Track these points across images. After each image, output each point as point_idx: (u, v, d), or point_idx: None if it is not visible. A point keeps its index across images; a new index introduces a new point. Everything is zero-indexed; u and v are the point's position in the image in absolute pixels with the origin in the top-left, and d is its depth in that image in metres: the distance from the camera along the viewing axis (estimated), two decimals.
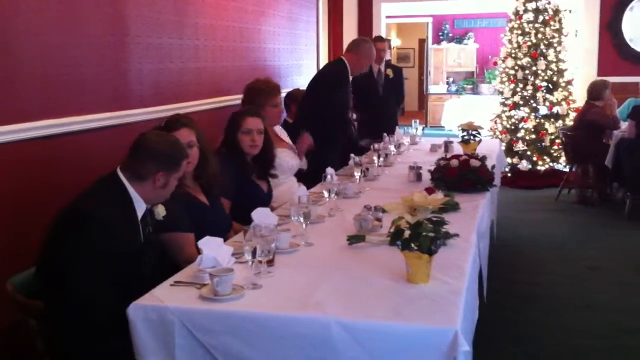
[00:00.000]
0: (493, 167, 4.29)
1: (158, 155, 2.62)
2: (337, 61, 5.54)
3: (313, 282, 2.43)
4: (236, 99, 5.44)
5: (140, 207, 2.62)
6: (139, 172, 2.59)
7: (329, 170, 3.54)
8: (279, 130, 4.66)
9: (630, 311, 4.40)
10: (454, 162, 4.02)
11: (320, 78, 5.50)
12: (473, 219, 3.33)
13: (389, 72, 6.97)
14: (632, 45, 9.01)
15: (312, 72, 8.06)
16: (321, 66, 8.44)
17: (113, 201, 2.53)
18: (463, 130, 5.24)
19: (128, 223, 2.57)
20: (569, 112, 8.19)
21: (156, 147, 2.63)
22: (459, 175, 3.91)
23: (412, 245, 2.36)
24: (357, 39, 5.83)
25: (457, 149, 5.26)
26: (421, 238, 2.36)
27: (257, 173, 3.82)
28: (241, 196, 3.56)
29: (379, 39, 7.19)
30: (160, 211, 2.76)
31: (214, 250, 2.52)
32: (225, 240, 2.71)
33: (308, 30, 7.93)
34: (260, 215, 2.74)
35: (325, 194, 3.44)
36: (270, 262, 2.50)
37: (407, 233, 2.39)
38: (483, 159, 4.15)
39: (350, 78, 5.40)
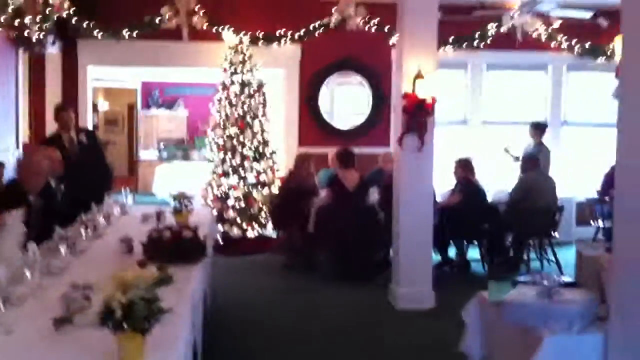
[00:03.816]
0: (205, 236, 4.36)
1: None
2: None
3: None
4: None
5: None
6: None
7: (31, 246, 3.28)
8: None
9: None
10: (167, 234, 4.00)
11: None
12: (186, 291, 3.33)
13: (83, 138, 6.77)
14: (327, 118, 9.93)
15: (11, 142, 7.51)
16: (20, 135, 7.91)
17: None
18: (174, 199, 5.26)
19: None
20: (275, 180, 8.68)
21: None
22: (172, 246, 3.89)
23: (125, 325, 2.28)
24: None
25: (170, 218, 5.24)
26: (133, 317, 2.28)
27: None
28: None
29: (62, 108, 6.94)
30: None
31: None
32: None
33: (4, 96, 7.36)
34: None
35: (27, 273, 3.16)
36: None
37: (119, 313, 2.30)
38: (195, 228, 4.19)
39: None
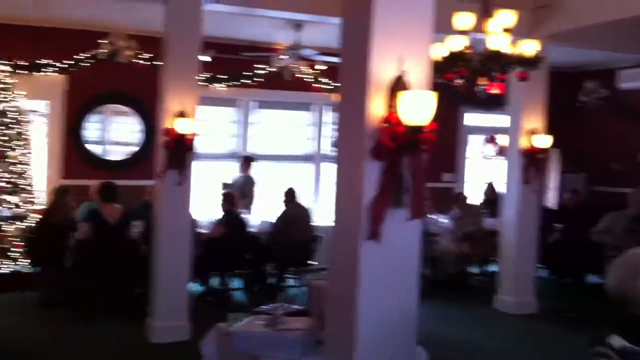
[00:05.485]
0: None
1: None
2: None
3: None
4: None
5: None
6: None
7: None
8: None
9: None
10: None
11: None
12: None
13: None
14: (96, 150, 9.67)
15: None
16: None
17: None
18: None
19: None
20: (32, 214, 8.24)
21: None
22: None
23: None
24: None
25: None
26: None
27: None
28: None
29: None
30: None
31: None
32: None
33: None
34: None
35: None
36: None
37: None
38: None
39: None
